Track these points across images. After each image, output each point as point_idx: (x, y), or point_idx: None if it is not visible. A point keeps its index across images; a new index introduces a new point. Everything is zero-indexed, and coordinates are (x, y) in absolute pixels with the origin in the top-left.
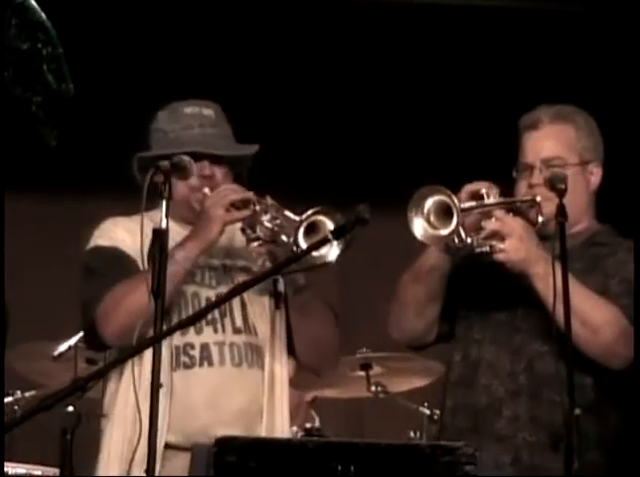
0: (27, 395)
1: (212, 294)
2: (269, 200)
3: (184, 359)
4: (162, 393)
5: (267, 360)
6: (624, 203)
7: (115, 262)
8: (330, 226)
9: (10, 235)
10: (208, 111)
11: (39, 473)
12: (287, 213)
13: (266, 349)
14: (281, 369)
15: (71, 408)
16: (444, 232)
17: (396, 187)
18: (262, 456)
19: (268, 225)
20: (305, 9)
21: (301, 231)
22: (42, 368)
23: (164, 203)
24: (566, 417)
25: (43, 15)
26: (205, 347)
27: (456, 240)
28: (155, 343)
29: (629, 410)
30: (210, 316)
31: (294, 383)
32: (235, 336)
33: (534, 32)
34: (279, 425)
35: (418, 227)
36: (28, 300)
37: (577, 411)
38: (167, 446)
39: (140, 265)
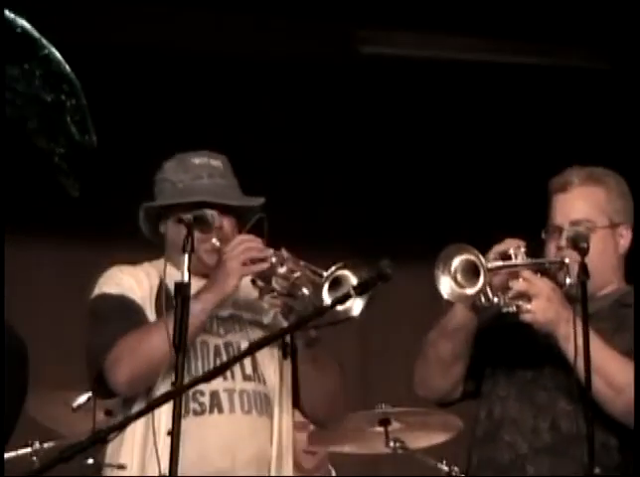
0: (45, 445)
1: (220, 343)
2: (285, 252)
3: (194, 405)
4: (168, 441)
5: (276, 409)
6: None
7: (123, 310)
8: (353, 280)
9: (32, 282)
10: (216, 162)
11: None
12: (305, 264)
13: (275, 398)
14: (288, 418)
15: (90, 460)
16: (471, 291)
17: (418, 242)
18: None
19: (285, 277)
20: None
21: (326, 285)
22: (60, 417)
23: (186, 256)
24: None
25: (67, 67)
26: (214, 394)
27: (483, 300)
28: (177, 395)
29: None
30: (219, 363)
31: (313, 437)
32: (244, 383)
33: (564, 90)
34: (286, 473)
35: (445, 285)
36: (47, 348)
37: (597, 470)
38: None
39: (149, 314)
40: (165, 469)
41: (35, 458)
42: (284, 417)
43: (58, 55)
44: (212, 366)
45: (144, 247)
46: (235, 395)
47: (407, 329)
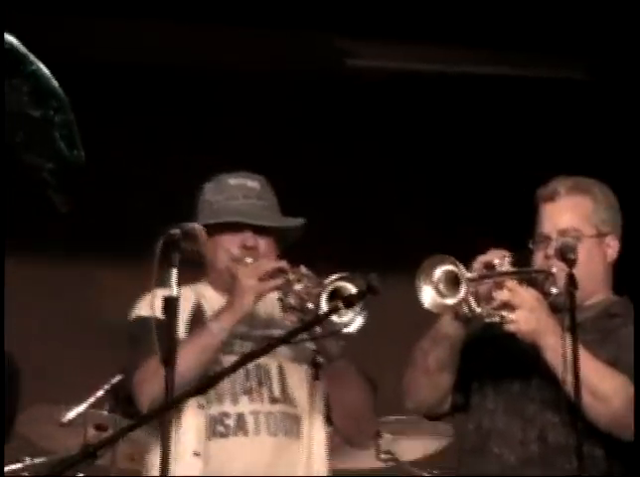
0: (36, 461)
1: (250, 366)
2: (303, 269)
3: (219, 428)
4: (198, 460)
5: (305, 430)
6: None
7: (156, 332)
8: (351, 291)
9: (21, 299)
10: (252, 183)
11: None
12: (322, 281)
13: (305, 419)
14: (320, 439)
15: (81, 475)
16: (452, 301)
17: (405, 254)
18: None
19: (299, 293)
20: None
21: (324, 297)
22: (50, 433)
23: (174, 271)
24: None
25: (55, 82)
26: (240, 416)
27: (466, 310)
28: (166, 411)
29: None
30: (246, 386)
31: None
32: (271, 405)
33: (550, 100)
34: None
35: (427, 295)
36: (38, 364)
37: None
38: None
39: (183, 335)
40: None
41: (26, 474)
42: (315, 439)
43: (46, 70)
44: (239, 388)
45: (129, 266)
46: (260, 416)
47: (395, 340)
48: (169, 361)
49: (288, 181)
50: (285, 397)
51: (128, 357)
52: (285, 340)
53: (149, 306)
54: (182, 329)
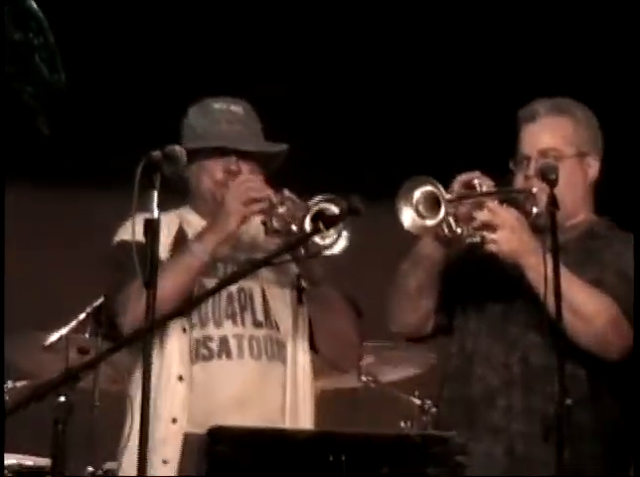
0: (18, 384)
1: (233, 290)
2: (287, 192)
3: (203, 351)
4: (182, 385)
5: (290, 354)
6: (624, 196)
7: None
8: (334, 213)
9: (9, 225)
10: (236, 108)
11: (30, 463)
12: (308, 203)
13: (289, 343)
14: (304, 363)
15: (63, 398)
16: (431, 222)
17: (389, 178)
18: (254, 446)
19: (283, 216)
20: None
21: (307, 219)
22: (33, 358)
23: (155, 193)
24: (558, 408)
25: (34, 4)
26: (223, 340)
27: (446, 231)
28: (147, 333)
29: (625, 401)
30: (230, 310)
31: None
32: (255, 329)
33: (533, 21)
34: (303, 421)
35: (407, 217)
36: (20, 289)
37: (569, 402)
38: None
39: (165, 259)
40: (175, 414)
41: (7, 397)
42: (299, 363)
43: None
44: (223, 312)
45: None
46: (244, 340)
47: (380, 264)
48: (150, 283)
49: (272, 105)
50: (269, 322)
51: (110, 280)
52: (267, 261)
53: (130, 230)
54: (164, 253)
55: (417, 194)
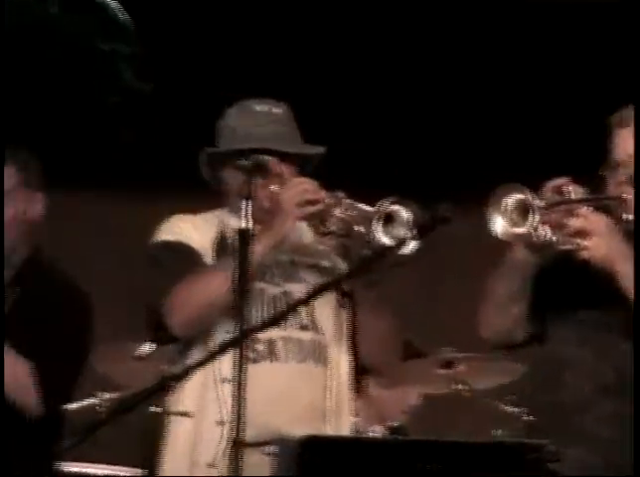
0: (110, 396)
1: (277, 292)
2: (341, 194)
3: (250, 353)
4: (229, 386)
5: (334, 358)
6: None
7: (182, 256)
8: (405, 214)
9: (91, 236)
10: (277, 110)
11: (123, 474)
12: (361, 205)
13: (332, 346)
14: (347, 367)
15: (154, 408)
16: (523, 229)
17: (476, 185)
18: (347, 455)
19: (341, 218)
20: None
21: (379, 221)
22: (123, 369)
23: (248, 202)
24: None
25: (122, 14)
26: (271, 342)
27: (537, 238)
28: (239, 342)
29: None
30: (274, 312)
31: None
32: (300, 332)
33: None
34: (345, 424)
35: (498, 224)
36: (108, 300)
37: None
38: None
39: (208, 261)
40: (221, 416)
41: (100, 408)
42: (342, 366)
43: (112, 1)
44: (267, 315)
45: (192, 197)
46: (290, 343)
47: (476, 273)
48: (241, 290)
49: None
50: (314, 325)
51: (152, 281)
52: (356, 273)
53: (174, 231)
54: (206, 254)
55: (508, 201)
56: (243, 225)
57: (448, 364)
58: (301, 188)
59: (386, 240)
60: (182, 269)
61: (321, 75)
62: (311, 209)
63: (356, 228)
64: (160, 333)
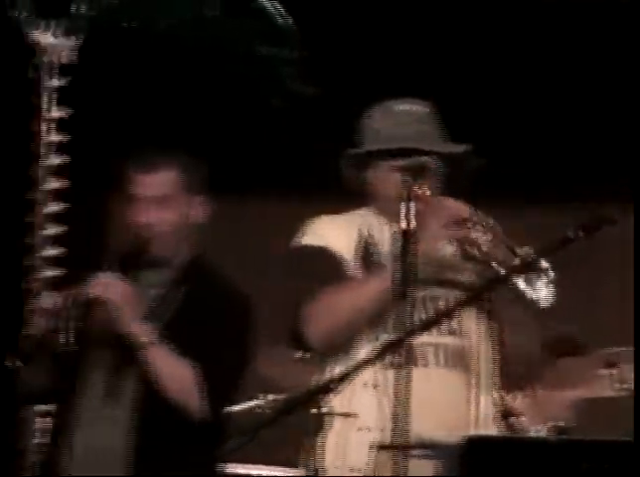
0: (274, 398)
1: (426, 296)
2: (491, 221)
3: (400, 359)
4: (375, 391)
5: (478, 364)
6: None
7: (323, 263)
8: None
9: (252, 238)
10: (419, 108)
11: (288, 475)
12: (505, 238)
13: (477, 353)
14: (487, 373)
15: (316, 410)
16: None
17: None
18: (512, 455)
19: (484, 248)
20: None
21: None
22: (286, 371)
23: (410, 204)
24: None
25: (284, 19)
26: (419, 347)
27: None
28: (398, 345)
29: None
30: (425, 317)
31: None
32: (448, 337)
33: None
34: (489, 430)
35: None
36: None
37: None
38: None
39: (350, 263)
40: (364, 421)
41: (265, 410)
42: (483, 372)
43: (272, 7)
44: (415, 317)
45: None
46: (439, 349)
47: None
48: (404, 294)
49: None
50: (461, 330)
51: (291, 286)
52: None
53: (318, 234)
54: (348, 254)
55: None
56: (404, 226)
57: (610, 364)
58: (451, 209)
59: (526, 291)
60: (323, 278)
61: (468, 72)
62: (457, 233)
63: (494, 264)
64: (296, 341)
